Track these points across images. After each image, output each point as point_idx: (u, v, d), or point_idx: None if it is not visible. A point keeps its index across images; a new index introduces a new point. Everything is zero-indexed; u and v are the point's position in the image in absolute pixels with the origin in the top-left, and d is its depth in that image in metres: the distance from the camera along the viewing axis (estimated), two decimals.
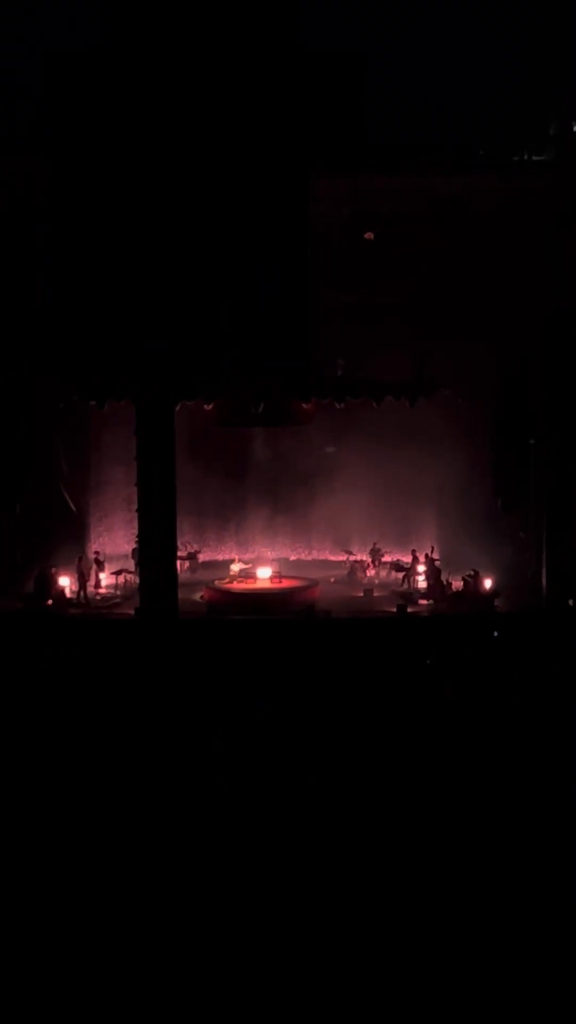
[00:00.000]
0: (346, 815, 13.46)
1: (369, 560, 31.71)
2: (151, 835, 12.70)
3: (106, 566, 30.40)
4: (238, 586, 29.69)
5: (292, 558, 33.28)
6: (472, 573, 28.67)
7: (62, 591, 28.72)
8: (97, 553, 30.67)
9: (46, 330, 26.62)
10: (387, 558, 31.72)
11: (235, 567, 30.89)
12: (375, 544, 31.83)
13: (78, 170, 25.67)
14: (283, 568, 31.29)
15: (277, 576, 30.35)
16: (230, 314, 25.95)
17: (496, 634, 24.38)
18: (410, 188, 26.61)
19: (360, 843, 12.67)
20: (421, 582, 29.85)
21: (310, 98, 24.94)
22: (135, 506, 27.87)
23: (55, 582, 28.75)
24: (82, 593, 28.72)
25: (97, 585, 29.68)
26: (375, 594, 29.34)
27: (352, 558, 31.99)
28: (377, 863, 12.15)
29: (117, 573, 30.20)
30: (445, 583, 29.12)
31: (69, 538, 30.85)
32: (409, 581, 30.17)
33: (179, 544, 28.50)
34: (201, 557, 32.81)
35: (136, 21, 24.92)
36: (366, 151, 26.32)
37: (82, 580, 28.89)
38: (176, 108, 24.37)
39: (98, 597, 29.10)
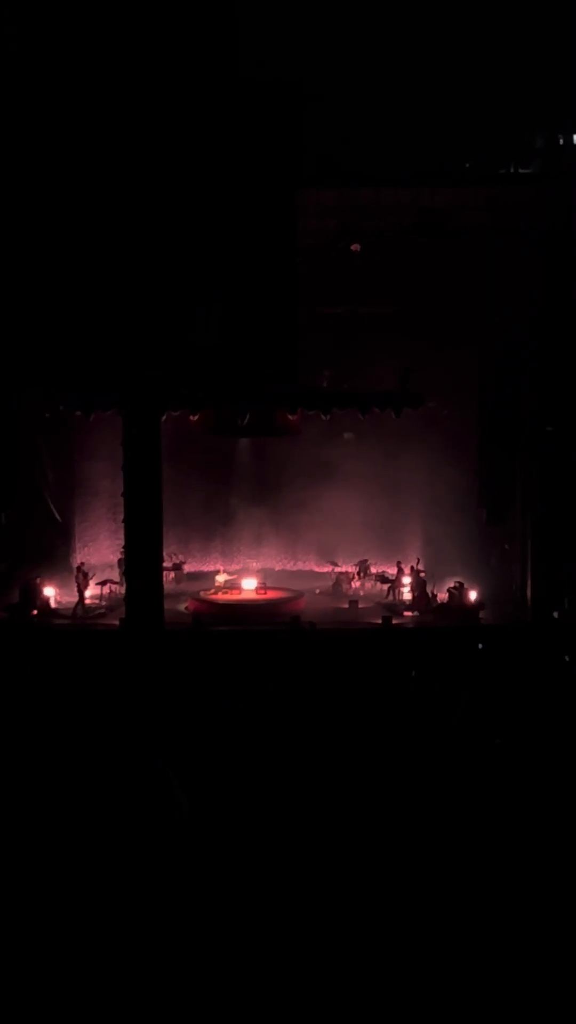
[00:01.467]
0: (335, 824, 13.44)
1: (355, 572, 31.72)
2: (133, 846, 12.64)
3: (91, 576, 30.36)
4: (223, 597, 29.74)
5: (277, 569, 33.29)
6: (457, 585, 28.73)
7: (47, 601, 28.70)
8: (82, 563, 30.62)
9: (32, 339, 26.55)
10: (373, 570, 31.75)
11: (220, 578, 30.93)
12: (364, 559, 31.81)
13: (55, 168, 25.55)
14: (268, 579, 31.32)
15: (262, 587, 30.40)
16: (217, 325, 25.94)
17: (481, 646, 24.40)
18: (396, 201, 26.66)
19: (348, 850, 12.65)
20: (406, 594, 29.90)
21: (295, 110, 24.94)
22: (120, 516, 27.81)
23: (40, 592, 28.73)
24: (80, 606, 28.68)
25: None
26: (360, 606, 29.40)
27: (337, 570, 32.02)
28: (365, 872, 12.12)
29: (102, 583, 30.15)
30: (430, 595, 29.19)
31: (54, 548, 30.85)
32: (394, 593, 30.20)
33: (164, 555, 28.46)
34: (186, 568, 32.81)
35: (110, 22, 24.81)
36: (353, 164, 26.37)
37: (80, 592, 28.88)
38: (163, 118, 24.34)
39: (81, 608, 29.08)
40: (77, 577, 29.19)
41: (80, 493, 32.68)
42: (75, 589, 29.19)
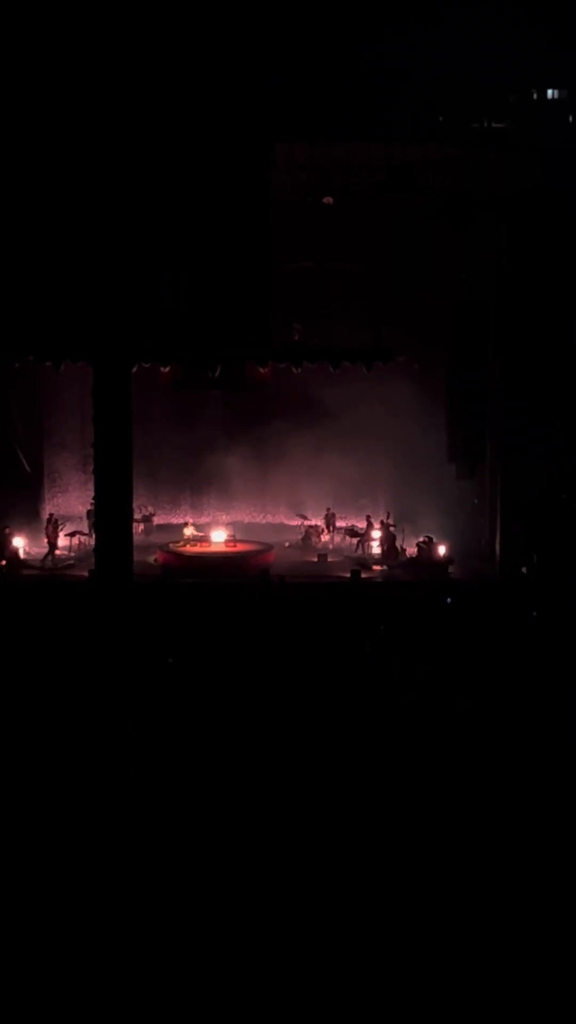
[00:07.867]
0: (299, 786, 13.50)
1: (324, 525, 31.81)
2: (97, 806, 12.67)
3: (61, 527, 30.32)
4: (192, 549, 29.77)
5: (246, 521, 33.34)
6: (426, 540, 28.87)
7: (16, 552, 28.67)
8: (52, 514, 30.58)
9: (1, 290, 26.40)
10: (341, 523, 31.86)
11: (189, 530, 30.98)
12: (329, 509, 31.91)
13: (31, 125, 25.43)
14: (237, 532, 31.38)
15: (231, 540, 30.45)
16: (189, 277, 25.88)
17: (449, 601, 24.55)
18: (368, 156, 26.60)
19: (310, 816, 12.69)
20: (375, 548, 30.00)
21: (270, 63, 24.83)
22: (90, 468, 27.83)
23: (9, 543, 28.71)
24: (50, 557, 28.67)
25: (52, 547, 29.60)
26: (329, 559, 29.54)
27: (307, 523, 32.06)
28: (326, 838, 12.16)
29: (71, 535, 30.13)
30: (399, 549, 29.32)
31: (23, 499, 30.74)
32: (363, 547, 30.31)
33: (134, 506, 28.47)
34: (156, 520, 32.83)
35: None
36: (324, 117, 26.24)
37: (50, 543, 28.86)
38: (135, 73, 24.21)
39: (51, 559, 29.06)
40: (47, 528, 29.17)
41: (49, 445, 32.60)
42: (44, 540, 29.19)
